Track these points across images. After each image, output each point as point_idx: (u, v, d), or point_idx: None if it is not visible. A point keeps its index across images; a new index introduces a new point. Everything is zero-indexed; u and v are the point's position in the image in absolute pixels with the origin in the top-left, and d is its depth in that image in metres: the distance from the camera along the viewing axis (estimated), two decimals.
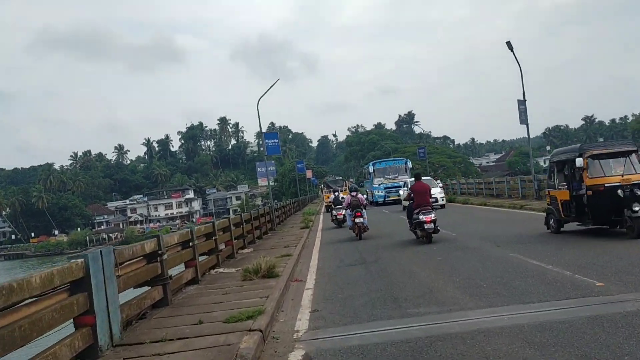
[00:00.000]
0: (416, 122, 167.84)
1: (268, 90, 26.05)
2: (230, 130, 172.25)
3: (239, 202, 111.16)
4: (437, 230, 13.38)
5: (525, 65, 26.30)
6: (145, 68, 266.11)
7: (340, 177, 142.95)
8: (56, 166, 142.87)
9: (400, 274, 9.48)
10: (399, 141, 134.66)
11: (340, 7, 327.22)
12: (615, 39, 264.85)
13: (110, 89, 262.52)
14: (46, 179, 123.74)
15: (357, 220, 16.41)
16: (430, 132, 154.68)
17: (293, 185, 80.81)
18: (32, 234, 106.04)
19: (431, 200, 14.15)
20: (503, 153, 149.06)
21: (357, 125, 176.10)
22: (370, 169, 40.32)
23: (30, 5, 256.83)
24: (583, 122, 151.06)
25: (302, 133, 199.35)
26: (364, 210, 16.78)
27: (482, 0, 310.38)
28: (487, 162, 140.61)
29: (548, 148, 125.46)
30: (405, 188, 26.86)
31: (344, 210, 20.18)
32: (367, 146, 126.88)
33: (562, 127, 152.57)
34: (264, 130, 25.19)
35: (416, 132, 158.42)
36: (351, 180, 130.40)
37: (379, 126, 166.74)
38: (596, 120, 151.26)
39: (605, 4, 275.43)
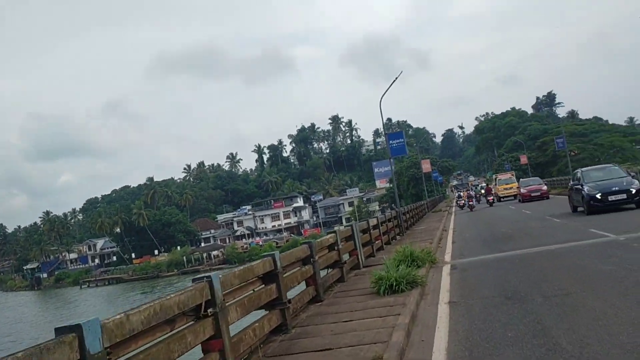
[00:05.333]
0: (559, 103, 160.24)
1: (390, 85, 25.66)
2: (343, 129, 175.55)
3: (352, 208, 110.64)
4: (472, 207, 40.13)
5: None
6: (257, 79, 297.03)
7: (470, 175, 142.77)
8: (177, 179, 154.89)
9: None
10: (546, 121, 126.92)
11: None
12: None
13: (226, 102, 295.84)
14: (148, 194, 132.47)
15: (470, 203, 40.76)
16: (577, 111, 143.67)
17: (412, 185, 78.60)
18: (133, 255, 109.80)
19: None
20: None
21: (487, 113, 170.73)
22: None
23: (145, 33, 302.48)
24: None
25: (424, 128, 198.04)
26: (474, 199, 44.75)
27: None
28: None
29: None
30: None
31: (463, 201, 44.01)
32: (503, 132, 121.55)
33: None
34: (381, 127, 24.36)
35: (559, 116, 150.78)
36: (483, 176, 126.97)
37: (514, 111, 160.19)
38: None
39: None
